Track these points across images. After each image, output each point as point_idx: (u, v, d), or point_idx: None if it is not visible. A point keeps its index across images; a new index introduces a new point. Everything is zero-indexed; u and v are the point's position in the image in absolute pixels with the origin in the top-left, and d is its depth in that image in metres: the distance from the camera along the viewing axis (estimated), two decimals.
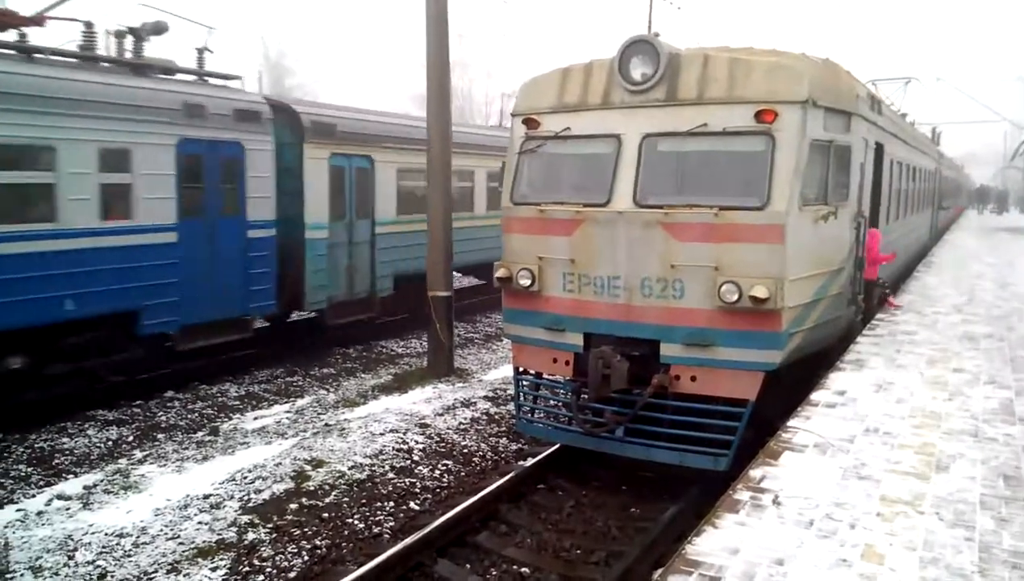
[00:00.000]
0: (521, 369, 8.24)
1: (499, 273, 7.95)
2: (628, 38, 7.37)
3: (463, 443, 8.94)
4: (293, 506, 7.10)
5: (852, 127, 8.09)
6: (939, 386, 7.35)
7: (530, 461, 8.22)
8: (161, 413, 10.38)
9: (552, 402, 8.76)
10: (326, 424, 9.42)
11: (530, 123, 7.93)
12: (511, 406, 9.71)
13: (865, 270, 11.11)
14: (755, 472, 5.16)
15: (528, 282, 7.73)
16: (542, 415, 8.64)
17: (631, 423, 7.26)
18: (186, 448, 8.85)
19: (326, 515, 7.00)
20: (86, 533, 6.62)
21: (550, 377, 8.28)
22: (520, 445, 9.07)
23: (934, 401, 6.86)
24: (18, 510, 7.15)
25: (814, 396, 6.92)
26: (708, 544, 4.19)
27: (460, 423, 9.52)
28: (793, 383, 7.42)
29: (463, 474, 8.20)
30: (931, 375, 7.75)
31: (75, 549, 6.36)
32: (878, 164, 10.29)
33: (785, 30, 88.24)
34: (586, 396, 7.57)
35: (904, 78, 22.44)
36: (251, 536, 6.57)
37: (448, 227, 11.78)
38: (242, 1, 57.71)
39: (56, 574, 6.01)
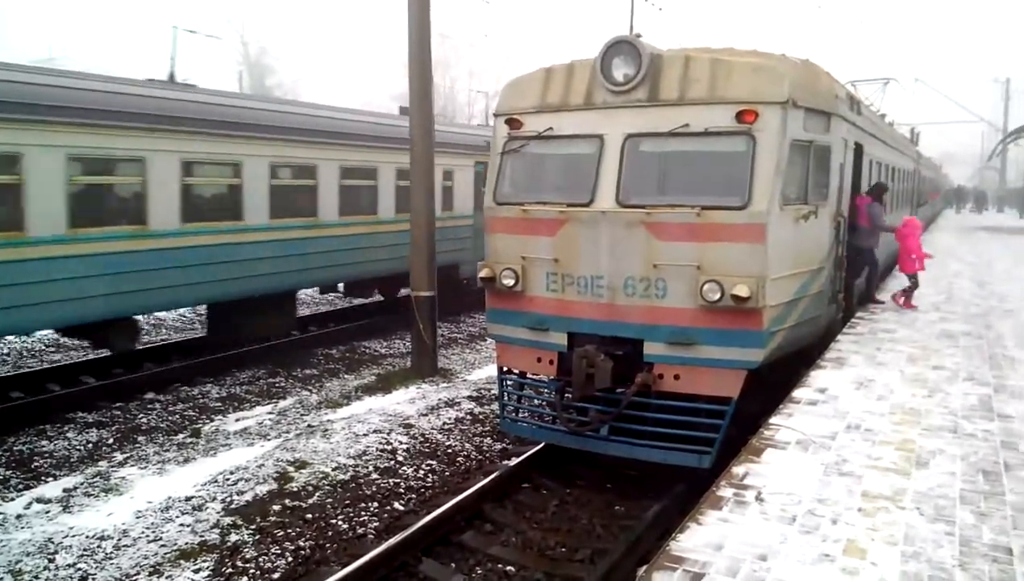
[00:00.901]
0: (505, 369, 8.25)
1: (483, 273, 7.95)
2: (610, 39, 7.39)
3: (447, 443, 8.93)
4: (276, 507, 7.06)
5: (832, 127, 8.17)
6: (919, 383, 7.44)
7: (514, 460, 8.22)
8: (141, 415, 10.28)
9: (536, 401, 8.76)
10: (309, 425, 9.37)
11: (513, 123, 7.93)
12: (495, 406, 9.71)
13: (907, 264, 11.33)
14: (738, 469, 5.20)
15: (511, 282, 7.74)
16: (526, 414, 8.65)
17: (615, 422, 7.29)
18: (167, 450, 8.77)
19: (310, 516, 6.97)
20: (66, 536, 6.54)
21: (534, 376, 8.29)
22: (504, 444, 9.07)
23: (914, 398, 6.94)
24: None
25: (796, 394, 6.98)
26: (692, 541, 4.21)
27: (444, 423, 9.50)
28: (775, 381, 7.49)
29: (447, 474, 8.18)
30: (911, 372, 7.84)
31: (55, 552, 6.28)
32: (857, 164, 10.40)
33: (765, 31, 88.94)
34: (570, 395, 7.59)
35: (883, 79, 22.64)
36: (234, 537, 6.53)
37: (431, 228, 11.74)
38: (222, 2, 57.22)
39: (36, 577, 5.94)
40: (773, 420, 6.21)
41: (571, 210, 7.42)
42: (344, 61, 66.62)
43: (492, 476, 7.68)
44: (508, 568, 6.27)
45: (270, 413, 10.20)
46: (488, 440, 9.20)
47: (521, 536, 6.80)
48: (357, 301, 17.67)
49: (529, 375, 8.27)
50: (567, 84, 7.66)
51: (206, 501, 7.15)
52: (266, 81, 53.96)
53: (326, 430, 9.00)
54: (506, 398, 8.30)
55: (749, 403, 7.10)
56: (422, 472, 8.12)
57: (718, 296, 6.79)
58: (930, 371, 7.92)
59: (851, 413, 6.43)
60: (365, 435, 8.81)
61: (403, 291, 16.16)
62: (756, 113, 6.86)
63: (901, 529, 4.36)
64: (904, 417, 6.38)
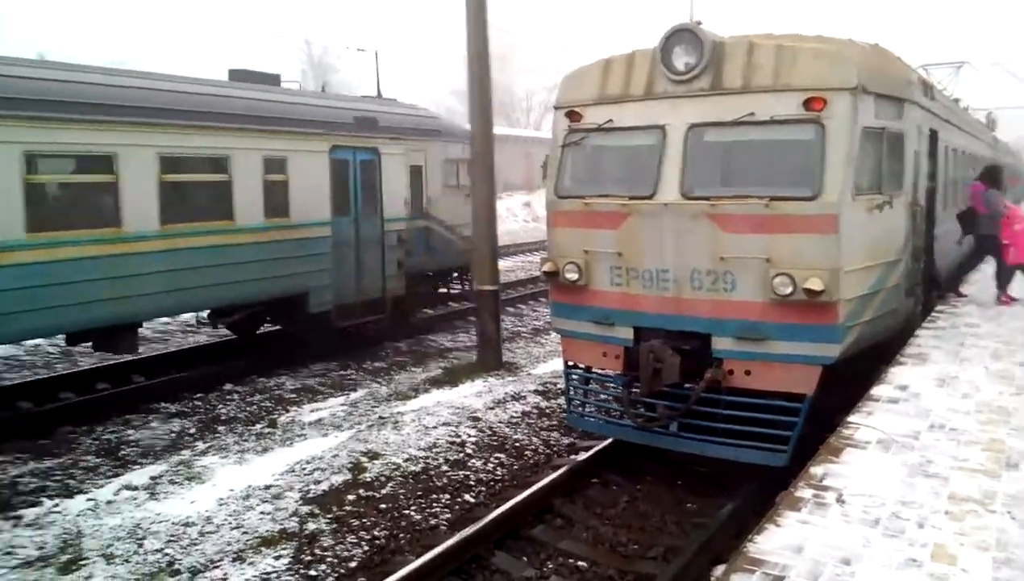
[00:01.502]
0: (571, 363, 8.25)
1: (546, 267, 7.96)
2: (670, 27, 7.27)
3: (515, 436, 8.99)
4: (351, 497, 7.24)
5: (905, 114, 7.90)
6: (1006, 380, 7.15)
7: (583, 455, 8.23)
8: (221, 406, 10.66)
9: (603, 396, 8.75)
10: (380, 417, 9.56)
11: (573, 116, 7.89)
12: (561, 400, 9.73)
13: (1005, 252, 10.84)
14: (816, 469, 5.10)
15: (575, 276, 7.72)
16: (593, 409, 8.64)
17: (684, 418, 7.22)
18: (246, 440, 9.08)
19: (383, 506, 7.12)
20: (153, 522, 6.84)
21: (600, 371, 8.27)
22: (572, 439, 9.09)
23: (1001, 396, 6.68)
24: (89, 499, 7.43)
25: (875, 391, 6.80)
26: (771, 542, 4.16)
27: (511, 416, 9.56)
28: (850, 377, 7.30)
29: (516, 467, 8.25)
30: (996, 369, 7.54)
31: (144, 537, 6.58)
32: (933, 151, 10.03)
33: (831, 16, 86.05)
34: (637, 390, 7.55)
35: (956, 63, 21.75)
36: (312, 526, 6.72)
37: (493, 223, 11.79)
38: (286, 2, 58.48)
39: (127, 561, 6.23)
40: (852, 419, 6.07)
41: (633, 203, 7.35)
42: (405, 57, 67.35)
43: (561, 471, 7.70)
44: (580, 564, 6.30)
45: (343, 404, 10.44)
46: (555, 434, 9.23)
47: (592, 532, 6.81)
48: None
49: (595, 370, 8.25)
50: (627, 75, 7.57)
51: (284, 490, 7.38)
52: (330, 79, 54.95)
53: (396, 422, 9.17)
54: (572, 392, 8.31)
55: (823, 400, 6.95)
56: (491, 465, 8.21)
57: (790, 290, 6.64)
58: (1017, 367, 7.60)
59: (934, 411, 6.23)
60: (434, 427, 8.94)
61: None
62: (824, 100, 6.66)
63: (992, 534, 4.22)
64: (991, 416, 6.15)
